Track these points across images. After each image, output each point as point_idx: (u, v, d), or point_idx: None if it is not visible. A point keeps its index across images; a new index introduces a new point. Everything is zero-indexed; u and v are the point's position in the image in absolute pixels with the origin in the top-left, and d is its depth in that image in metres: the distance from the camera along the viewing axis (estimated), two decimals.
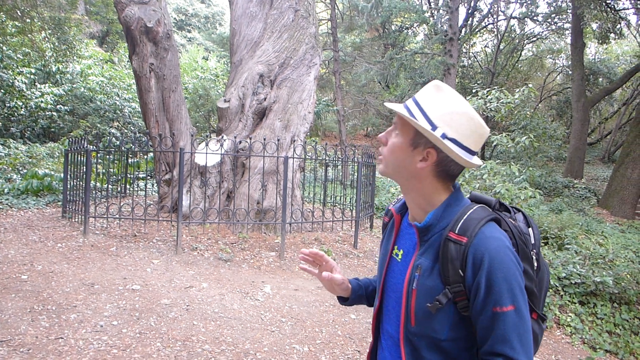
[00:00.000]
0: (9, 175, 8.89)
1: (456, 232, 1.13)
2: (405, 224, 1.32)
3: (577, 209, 12.90)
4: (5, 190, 7.86)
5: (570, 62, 20.80)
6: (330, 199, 9.02)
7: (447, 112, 1.16)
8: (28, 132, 12.91)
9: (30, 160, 10.10)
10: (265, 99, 7.73)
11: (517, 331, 1.07)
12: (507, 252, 1.10)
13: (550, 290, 5.31)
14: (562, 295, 5.32)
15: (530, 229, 1.24)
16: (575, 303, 5.28)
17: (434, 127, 1.15)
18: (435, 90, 1.19)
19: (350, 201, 8.44)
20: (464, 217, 1.15)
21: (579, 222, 9.49)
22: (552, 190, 15.60)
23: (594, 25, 18.39)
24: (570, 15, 18.39)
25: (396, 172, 1.24)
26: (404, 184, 1.25)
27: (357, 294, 1.53)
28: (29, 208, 7.40)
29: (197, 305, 4.35)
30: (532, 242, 1.22)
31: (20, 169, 9.42)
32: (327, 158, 7.57)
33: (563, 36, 23.61)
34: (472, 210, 1.17)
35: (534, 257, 1.20)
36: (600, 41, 18.71)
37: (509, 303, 1.07)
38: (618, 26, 17.34)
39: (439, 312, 1.13)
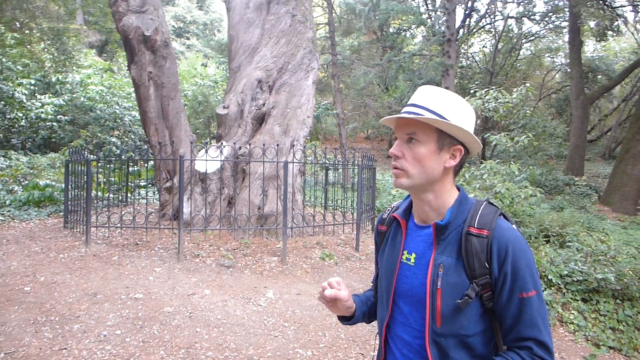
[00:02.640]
0: (11, 187, 8.93)
1: (475, 226, 1.18)
2: (413, 227, 1.32)
3: (578, 206, 12.86)
4: (7, 202, 7.90)
5: (568, 60, 20.79)
6: (332, 202, 9.02)
7: (456, 109, 1.21)
8: (29, 143, 12.96)
9: (31, 171, 10.13)
10: (264, 104, 7.76)
11: (541, 314, 1.14)
12: (524, 241, 1.17)
13: (553, 288, 5.30)
14: (564, 293, 5.31)
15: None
16: (577, 300, 5.26)
17: None
18: (432, 92, 1.23)
19: (351, 204, 8.45)
20: (479, 213, 1.20)
21: (580, 219, 9.46)
22: (553, 188, 15.57)
23: (592, 23, 18.39)
24: (568, 13, 18.41)
25: (424, 181, 1.22)
26: (425, 188, 1.24)
27: (361, 311, 1.48)
28: (31, 219, 7.43)
29: (200, 312, 4.36)
30: None
31: (22, 180, 9.46)
32: (327, 162, 7.59)
33: (561, 34, 23.62)
34: (482, 206, 1.22)
35: None
36: (597, 39, 18.72)
37: (532, 288, 1.13)
38: (615, 23, 17.35)
39: (467, 307, 1.16)
